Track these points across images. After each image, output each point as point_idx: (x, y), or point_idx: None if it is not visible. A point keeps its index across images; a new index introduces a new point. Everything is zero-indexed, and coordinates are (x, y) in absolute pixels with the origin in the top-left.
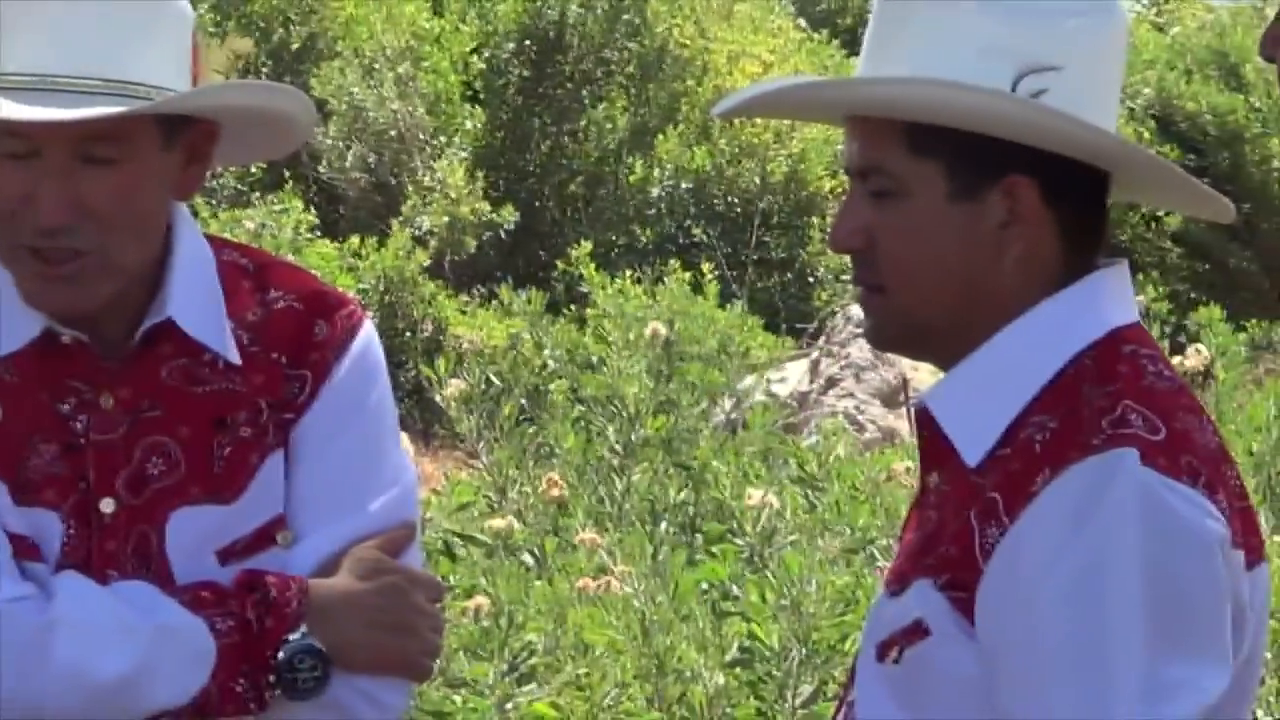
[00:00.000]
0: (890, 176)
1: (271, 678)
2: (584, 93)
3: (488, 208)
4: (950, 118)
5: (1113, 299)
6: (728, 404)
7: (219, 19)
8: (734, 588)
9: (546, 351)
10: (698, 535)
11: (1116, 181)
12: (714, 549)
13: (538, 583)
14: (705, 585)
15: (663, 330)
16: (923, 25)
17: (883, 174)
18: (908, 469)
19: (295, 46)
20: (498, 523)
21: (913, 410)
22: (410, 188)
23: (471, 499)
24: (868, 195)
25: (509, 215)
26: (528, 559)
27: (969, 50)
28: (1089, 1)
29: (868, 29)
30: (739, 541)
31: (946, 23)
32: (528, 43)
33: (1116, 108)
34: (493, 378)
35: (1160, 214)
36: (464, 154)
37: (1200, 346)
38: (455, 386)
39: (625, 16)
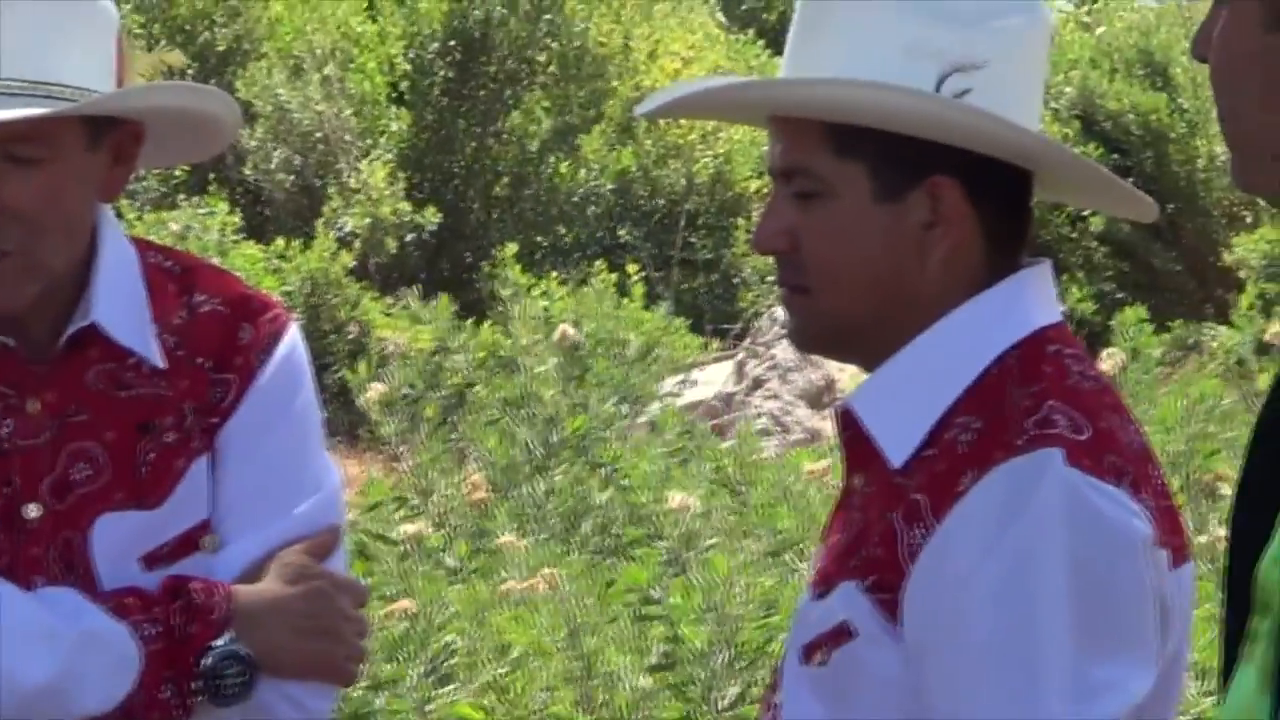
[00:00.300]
0: (814, 178)
1: (197, 684)
2: (507, 93)
3: (409, 208)
4: (873, 118)
5: (1036, 299)
6: (648, 406)
7: (144, 22)
8: (655, 591)
9: (460, 356)
10: (619, 537)
11: (1040, 181)
12: (635, 553)
13: (458, 585)
14: (627, 589)
15: (572, 331)
16: (846, 25)
17: (807, 175)
18: (827, 469)
19: (221, 49)
20: (410, 527)
21: (836, 411)
22: (334, 190)
23: (383, 499)
24: (792, 196)
25: (431, 216)
26: (450, 561)
27: (892, 50)
28: (1014, 2)
29: (791, 29)
30: (660, 545)
31: (870, 23)
32: (452, 43)
33: (1040, 107)
34: (414, 381)
35: (1085, 214)
36: (389, 156)
37: (1114, 350)
38: (376, 390)
39: (546, 16)
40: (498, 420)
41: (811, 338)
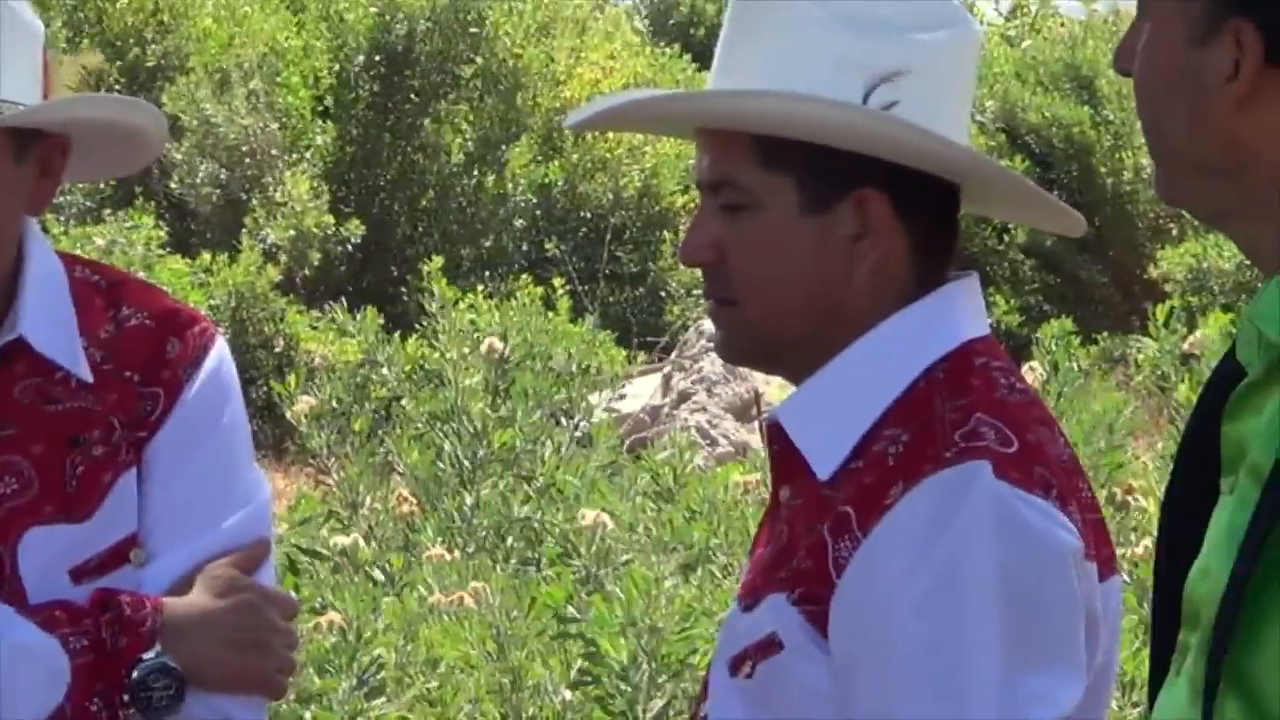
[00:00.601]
0: (741, 190)
1: (126, 697)
2: (431, 106)
3: (333, 220)
4: (799, 130)
5: (964, 311)
6: (575, 420)
7: (72, 35)
8: (572, 608)
9: (386, 370)
10: (542, 551)
11: (967, 194)
12: (552, 571)
13: (387, 598)
14: (547, 605)
15: (499, 345)
16: (773, 37)
17: (734, 187)
18: (756, 482)
19: (150, 64)
20: (343, 539)
21: (764, 424)
22: (259, 202)
23: (312, 513)
24: (719, 209)
25: (355, 229)
26: (378, 575)
27: (820, 63)
28: (942, 15)
29: (719, 40)
30: (574, 563)
31: (797, 35)
32: (377, 58)
33: (968, 121)
34: (341, 394)
35: (1011, 226)
36: (315, 169)
37: (1034, 365)
38: (305, 403)
39: (471, 30)
40: (425, 434)
41: (739, 351)
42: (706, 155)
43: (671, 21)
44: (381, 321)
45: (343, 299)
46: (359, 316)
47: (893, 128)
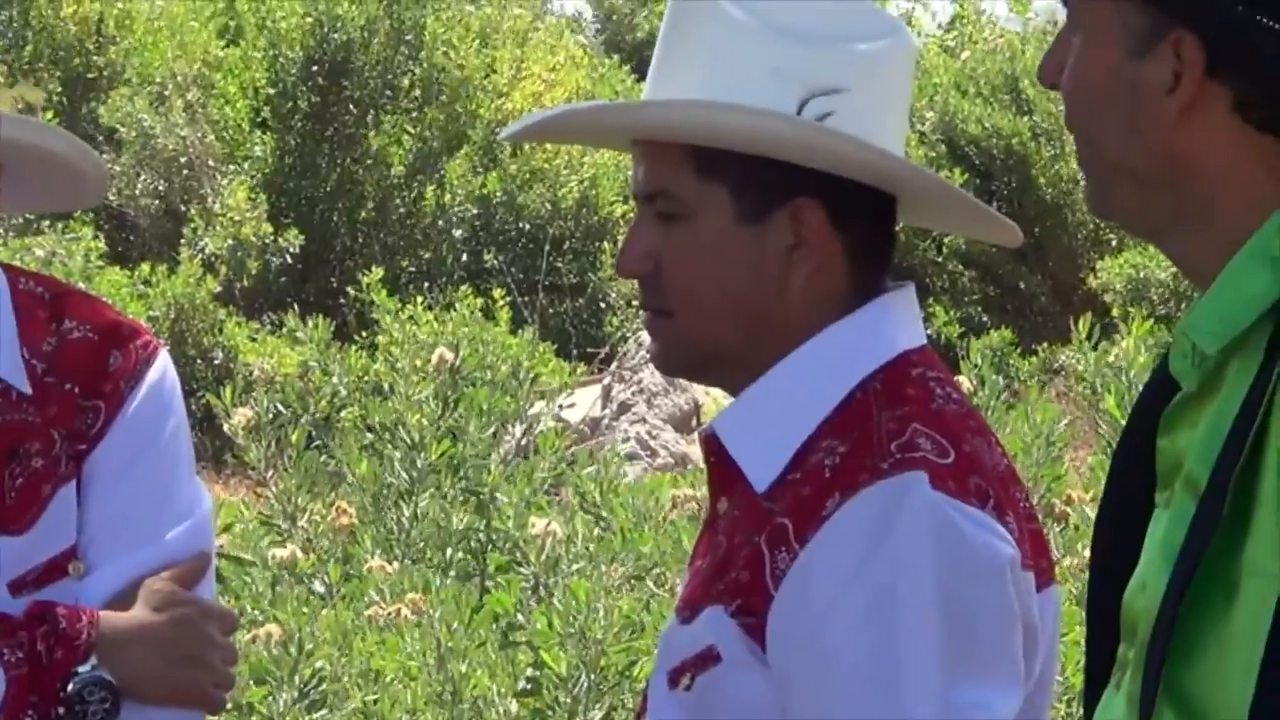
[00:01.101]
0: (677, 200)
1: (61, 709)
2: (370, 117)
3: (270, 230)
4: (734, 141)
5: (900, 322)
6: (518, 430)
7: (6, 47)
8: (519, 617)
9: (335, 379)
10: (486, 562)
11: (904, 206)
12: (500, 579)
13: (326, 611)
14: (493, 615)
15: (449, 356)
16: (709, 48)
17: (669, 197)
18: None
19: (91, 76)
20: (281, 552)
21: (701, 436)
22: (197, 213)
23: (234, 520)
24: (655, 219)
25: (294, 239)
26: (318, 587)
27: (755, 73)
28: (877, 26)
29: (655, 51)
30: (524, 571)
31: (732, 46)
32: (314, 68)
33: (905, 132)
34: (280, 406)
35: (950, 238)
36: (254, 181)
37: (962, 378)
38: (243, 415)
39: (408, 38)
40: (367, 445)
41: (674, 361)
42: (642, 165)
43: (627, 40)
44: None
45: (294, 307)
46: (309, 324)
47: (827, 138)
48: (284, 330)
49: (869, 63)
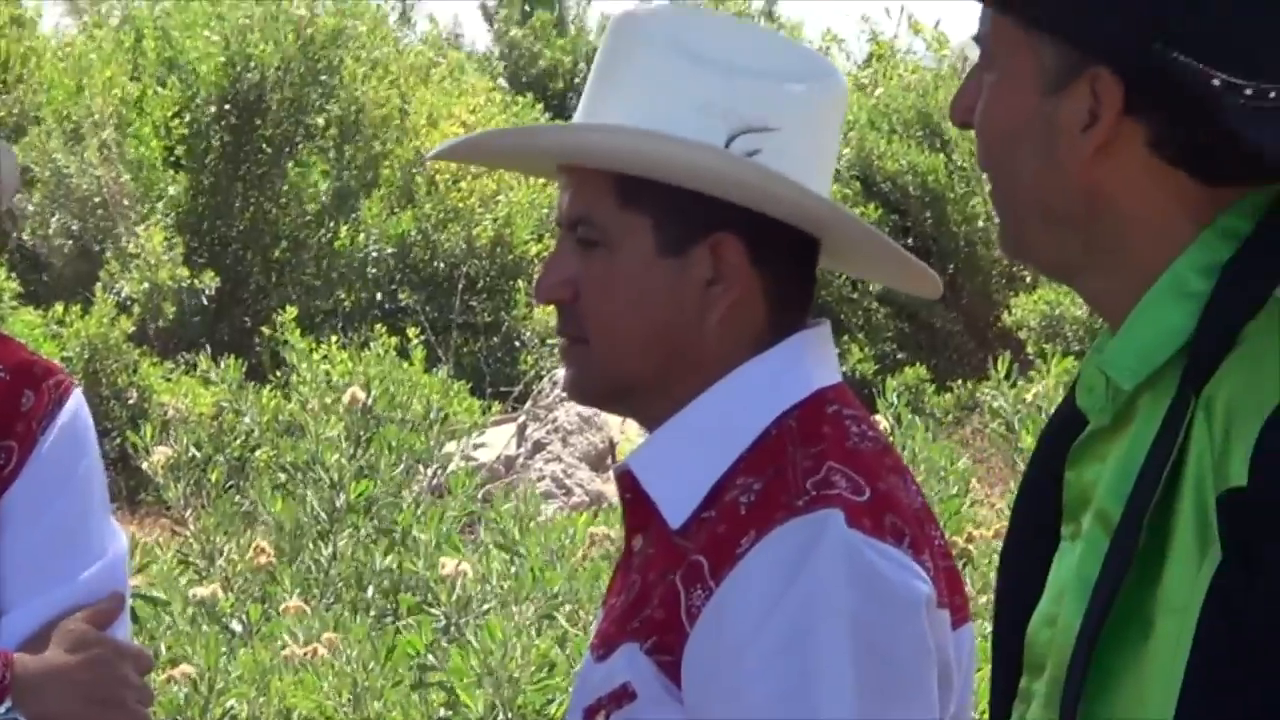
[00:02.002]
0: (597, 227)
1: None
2: (284, 157)
3: (187, 273)
4: (658, 169)
5: (816, 360)
6: (431, 470)
7: None
8: (431, 658)
9: (247, 419)
10: (398, 602)
11: (826, 249)
12: (411, 620)
13: (243, 649)
14: (406, 655)
15: (361, 395)
16: (640, 80)
17: (590, 224)
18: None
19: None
20: (203, 591)
21: (616, 472)
22: (112, 254)
23: (151, 561)
24: (576, 246)
25: (209, 280)
26: (235, 626)
27: (684, 106)
28: (810, 67)
29: (589, 78)
30: (435, 611)
31: (663, 79)
32: (228, 107)
33: (830, 174)
34: (197, 446)
35: None
36: (168, 220)
37: (879, 416)
38: (162, 453)
39: (323, 78)
40: (283, 484)
41: (587, 390)
42: (567, 192)
43: (532, 70)
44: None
45: (206, 347)
46: (222, 364)
47: (748, 172)
48: (198, 371)
49: (799, 103)
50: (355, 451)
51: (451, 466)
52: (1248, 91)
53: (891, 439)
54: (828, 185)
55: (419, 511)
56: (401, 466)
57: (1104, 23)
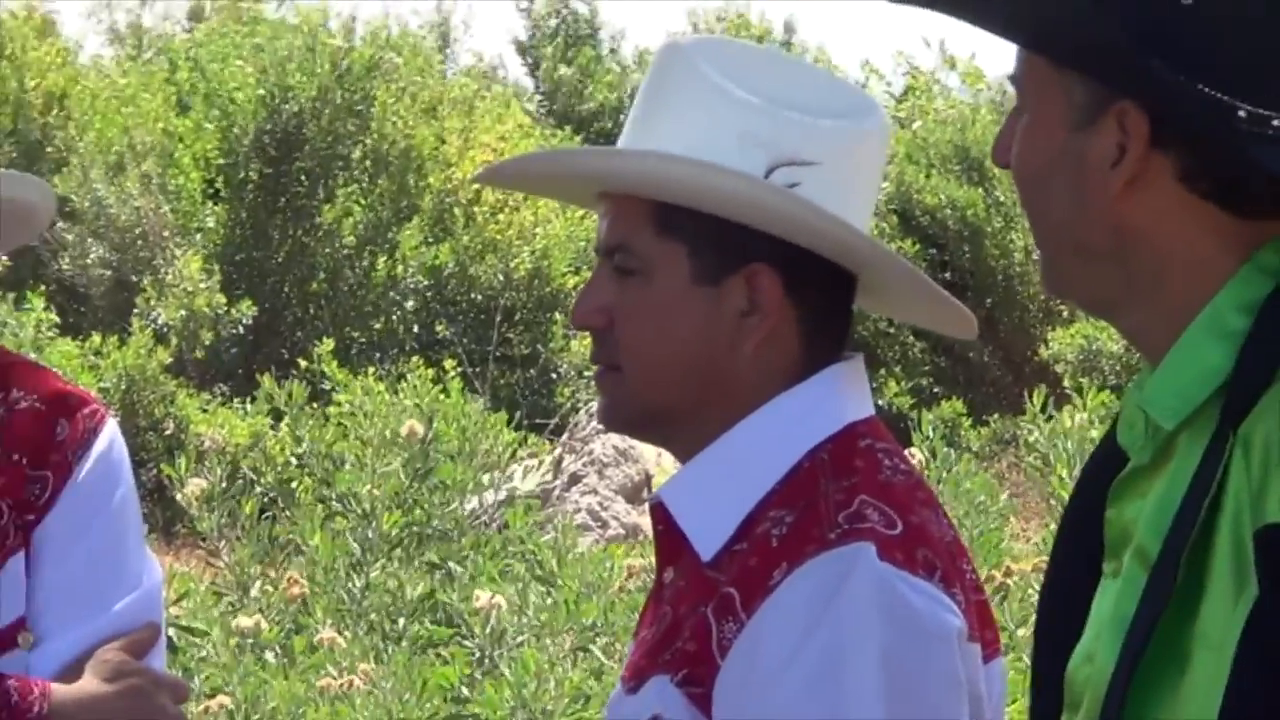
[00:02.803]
0: (635, 255)
1: None
2: (321, 189)
3: (224, 300)
4: (696, 197)
5: (849, 393)
6: (471, 502)
7: None
8: (465, 690)
9: (304, 445)
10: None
11: (862, 287)
12: (444, 652)
13: (279, 681)
14: (440, 687)
15: (419, 429)
16: (682, 109)
17: (627, 252)
18: (636, 568)
19: (49, 149)
20: (245, 621)
21: (650, 505)
22: (149, 284)
23: (188, 591)
24: (613, 273)
25: (247, 309)
26: (269, 657)
27: (726, 136)
28: (854, 104)
29: (633, 106)
30: (468, 644)
31: (707, 109)
32: (265, 140)
33: (871, 210)
34: (231, 477)
35: None
36: (206, 251)
37: (914, 450)
38: (196, 485)
39: (359, 109)
40: (320, 516)
41: (620, 417)
42: (606, 219)
43: (578, 110)
44: (275, 402)
45: (236, 382)
46: (283, 389)
47: (788, 204)
48: (237, 401)
49: (841, 139)
50: (410, 484)
51: (496, 498)
52: (1275, 122)
53: (927, 473)
54: (867, 221)
55: (472, 542)
56: (457, 502)
57: (1129, 57)
